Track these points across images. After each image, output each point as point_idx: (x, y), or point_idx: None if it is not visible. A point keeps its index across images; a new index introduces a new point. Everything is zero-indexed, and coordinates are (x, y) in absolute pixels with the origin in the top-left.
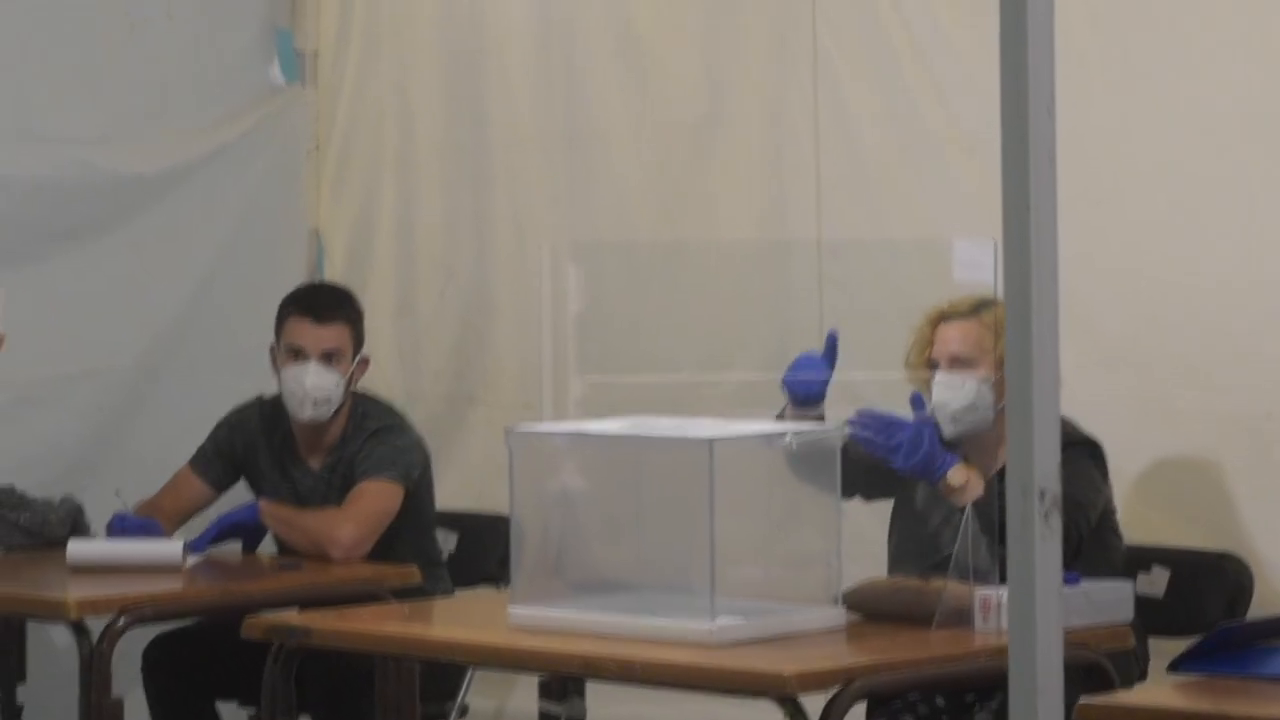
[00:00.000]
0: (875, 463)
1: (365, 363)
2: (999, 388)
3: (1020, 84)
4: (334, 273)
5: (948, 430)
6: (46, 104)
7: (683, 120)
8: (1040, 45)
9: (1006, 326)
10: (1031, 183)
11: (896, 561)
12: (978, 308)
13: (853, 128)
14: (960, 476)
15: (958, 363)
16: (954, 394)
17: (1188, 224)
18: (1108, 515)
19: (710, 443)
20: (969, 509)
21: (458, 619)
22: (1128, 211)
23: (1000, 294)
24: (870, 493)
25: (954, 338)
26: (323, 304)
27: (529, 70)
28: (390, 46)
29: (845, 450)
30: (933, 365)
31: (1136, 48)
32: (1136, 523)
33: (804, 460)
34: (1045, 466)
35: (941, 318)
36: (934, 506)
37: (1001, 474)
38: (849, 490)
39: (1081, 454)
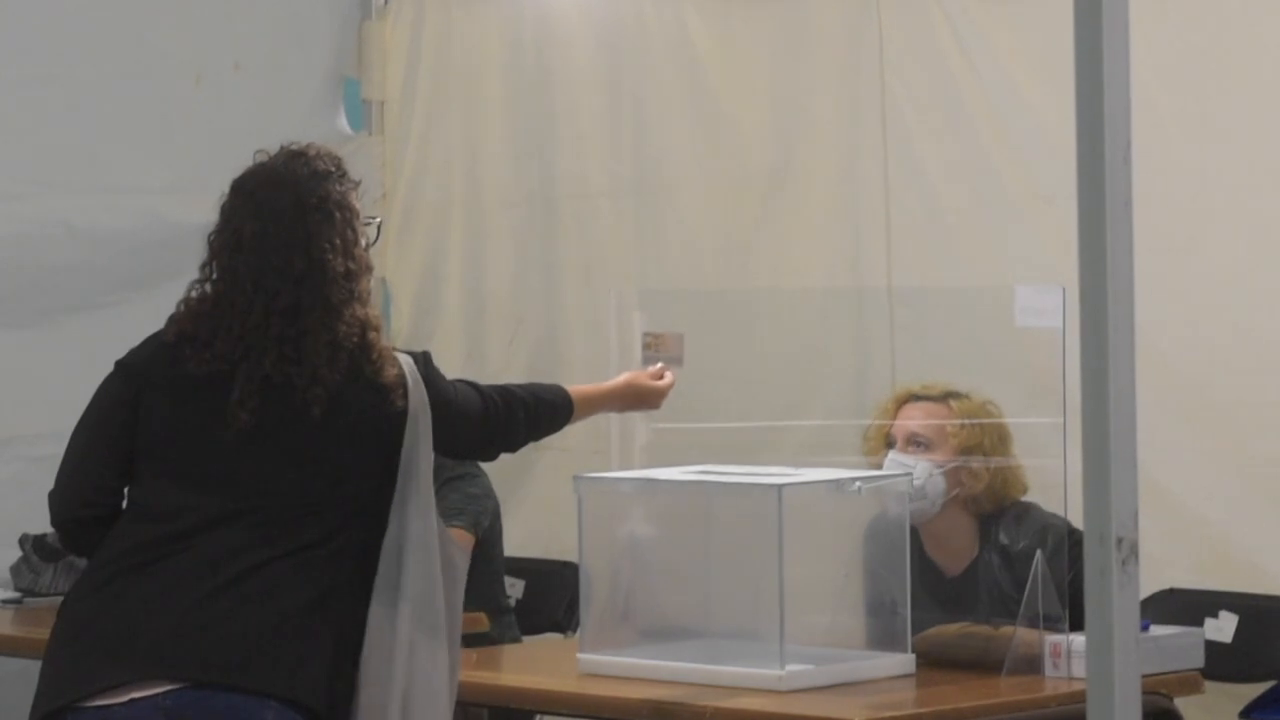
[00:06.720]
0: None
1: None
2: (951, 477)
3: (1096, 131)
4: (401, 321)
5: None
6: (115, 155)
7: (753, 171)
8: (1116, 92)
9: (1081, 374)
10: (1108, 230)
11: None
12: (947, 395)
13: (923, 177)
14: None
15: (915, 444)
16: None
17: (1265, 270)
18: None
19: (779, 488)
20: (1038, 556)
21: (526, 665)
22: (1204, 259)
23: (1070, 338)
24: None
25: (916, 418)
26: None
27: (598, 119)
28: (458, 96)
29: None
30: (889, 444)
31: (1209, 96)
32: (1209, 569)
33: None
34: (1123, 514)
35: (910, 397)
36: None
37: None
38: None
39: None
